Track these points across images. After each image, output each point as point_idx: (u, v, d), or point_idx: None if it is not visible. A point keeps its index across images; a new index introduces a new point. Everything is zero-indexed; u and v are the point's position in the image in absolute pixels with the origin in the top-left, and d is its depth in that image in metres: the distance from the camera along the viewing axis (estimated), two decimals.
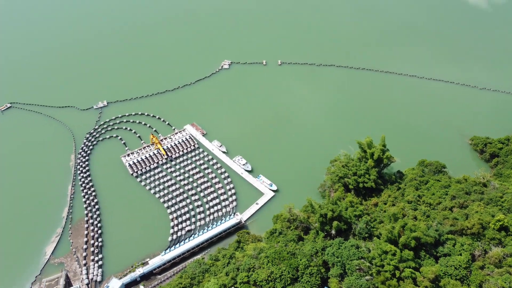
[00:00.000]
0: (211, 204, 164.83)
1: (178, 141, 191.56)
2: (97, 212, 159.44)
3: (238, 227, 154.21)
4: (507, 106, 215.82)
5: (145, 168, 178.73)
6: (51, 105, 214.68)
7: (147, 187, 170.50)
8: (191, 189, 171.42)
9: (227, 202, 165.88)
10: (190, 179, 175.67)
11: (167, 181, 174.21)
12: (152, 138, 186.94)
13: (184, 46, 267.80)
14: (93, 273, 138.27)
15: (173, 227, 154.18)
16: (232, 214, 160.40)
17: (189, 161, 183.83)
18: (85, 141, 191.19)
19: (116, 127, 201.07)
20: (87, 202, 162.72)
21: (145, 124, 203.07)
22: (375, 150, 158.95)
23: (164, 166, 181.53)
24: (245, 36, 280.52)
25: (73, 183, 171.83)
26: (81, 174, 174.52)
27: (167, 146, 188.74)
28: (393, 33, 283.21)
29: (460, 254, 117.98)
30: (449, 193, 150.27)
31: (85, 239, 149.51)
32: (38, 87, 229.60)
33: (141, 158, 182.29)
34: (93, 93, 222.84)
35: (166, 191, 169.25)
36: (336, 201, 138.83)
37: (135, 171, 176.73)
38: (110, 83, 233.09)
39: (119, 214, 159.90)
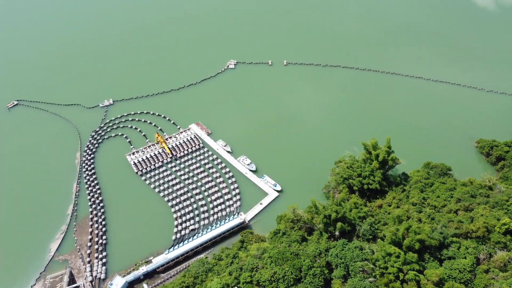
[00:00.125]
0: (215, 203, 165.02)
1: (183, 140, 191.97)
2: (102, 210, 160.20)
3: (242, 227, 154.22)
4: None
5: (150, 166, 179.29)
6: (58, 103, 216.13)
7: (152, 186, 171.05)
8: (195, 188, 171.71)
9: (231, 202, 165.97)
10: (195, 178, 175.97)
11: (172, 180, 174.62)
12: (157, 137, 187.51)
13: (190, 46, 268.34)
14: (97, 270, 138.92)
15: (177, 226, 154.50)
16: (236, 214, 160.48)
17: (193, 160, 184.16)
18: (90, 139, 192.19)
19: (121, 126, 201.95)
20: (92, 199, 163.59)
21: (150, 123, 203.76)
22: (380, 151, 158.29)
23: (169, 165, 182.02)
24: (251, 36, 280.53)
25: (78, 180, 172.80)
26: (86, 172, 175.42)
27: (172, 145, 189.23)
28: (400, 34, 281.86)
29: (465, 258, 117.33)
30: (454, 196, 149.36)
31: (90, 237, 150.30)
32: (45, 85, 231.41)
33: (146, 156, 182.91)
34: (99, 91, 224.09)
35: (170, 190, 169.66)
36: (340, 202, 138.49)
37: (140, 169, 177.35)
38: (116, 81, 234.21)
39: (123, 212, 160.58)
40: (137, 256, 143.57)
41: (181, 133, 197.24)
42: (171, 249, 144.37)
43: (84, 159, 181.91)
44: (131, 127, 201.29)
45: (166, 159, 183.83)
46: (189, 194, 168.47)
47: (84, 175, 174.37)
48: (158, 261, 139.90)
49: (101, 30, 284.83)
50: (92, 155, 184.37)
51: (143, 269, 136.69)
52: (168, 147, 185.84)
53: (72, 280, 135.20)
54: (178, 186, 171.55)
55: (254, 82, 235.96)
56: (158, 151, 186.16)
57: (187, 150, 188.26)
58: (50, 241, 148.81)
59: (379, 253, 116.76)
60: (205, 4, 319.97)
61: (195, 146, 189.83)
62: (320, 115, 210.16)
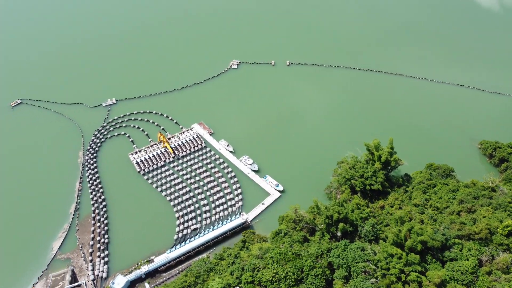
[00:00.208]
0: (217, 203, 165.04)
1: (186, 140, 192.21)
2: (104, 209, 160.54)
3: (244, 227, 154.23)
4: None
5: (152, 166, 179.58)
6: (61, 101, 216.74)
7: (154, 185, 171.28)
8: (198, 188, 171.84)
9: (233, 202, 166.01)
10: (197, 178, 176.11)
11: (174, 179, 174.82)
12: (159, 137, 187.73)
13: (193, 45, 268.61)
14: (99, 269, 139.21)
15: (179, 226, 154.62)
16: (238, 213, 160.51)
17: (196, 160, 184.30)
18: (93, 138, 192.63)
19: (124, 125, 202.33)
20: (94, 198, 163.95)
21: (153, 122, 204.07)
22: (382, 152, 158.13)
23: (171, 165, 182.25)
24: (254, 36, 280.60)
25: (81, 179, 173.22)
26: (89, 171, 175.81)
27: (174, 145, 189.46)
28: (403, 35, 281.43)
29: (467, 259, 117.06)
30: (457, 197, 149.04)
31: (92, 236, 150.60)
32: (49, 84, 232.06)
33: (148, 156, 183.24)
34: (102, 90, 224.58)
35: (172, 190, 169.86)
36: (342, 203, 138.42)
37: (142, 169, 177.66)
38: (119, 81, 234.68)
39: (125, 211, 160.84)
40: (139, 255, 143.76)
41: (183, 132, 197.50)
42: (173, 248, 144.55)
43: (86, 158, 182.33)
44: (134, 126, 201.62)
45: (169, 159, 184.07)
46: (191, 194, 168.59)
47: (87, 174, 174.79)
48: (160, 260, 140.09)
49: (105, 29, 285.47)
50: (94, 154, 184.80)
51: (145, 268, 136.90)
52: (170, 147, 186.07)
53: (74, 279, 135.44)
54: (180, 186, 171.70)
55: (257, 82, 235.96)
56: (161, 151, 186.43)
57: (190, 149, 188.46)
58: (53, 240, 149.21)
59: (381, 254, 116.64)
60: (209, 4, 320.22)
61: (197, 146, 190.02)
62: (323, 116, 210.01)
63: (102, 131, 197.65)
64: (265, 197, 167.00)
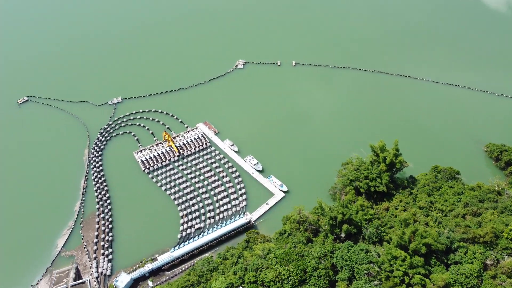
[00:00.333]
0: (221, 202, 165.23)
1: (191, 139, 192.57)
2: (109, 207, 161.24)
3: (247, 227, 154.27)
4: None
5: (157, 164, 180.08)
6: (67, 99, 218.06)
7: (159, 184, 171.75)
8: (202, 187, 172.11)
9: (237, 202, 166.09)
10: (201, 177, 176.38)
11: (178, 178, 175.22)
12: (164, 135, 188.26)
13: (199, 45, 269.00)
14: (102, 267, 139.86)
15: (182, 225, 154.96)
16: (242, 213, 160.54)
17: (200, 159, 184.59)
18: (99, 136, 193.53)
19: (129, 123, 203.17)
20: (99, 196, 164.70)
21: (158, 121, 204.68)
22: (387, 154, 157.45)
23: (176, 164, 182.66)
24: (260, 36, 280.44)
25: (86, 177, 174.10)
26: (94, 169, 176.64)
27: (179, 144, 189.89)
28: (410, 36, 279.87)
29: (472, 263, 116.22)
30: (462, 200, 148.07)
31: (96, 233, 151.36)
32: (55, 81, 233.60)
33: (153, 154, 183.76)
34: (108, 89, 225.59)
35: (177, 188, 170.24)
36: (346, 204, 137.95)
37: (147, 167, 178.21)
38: (125, 79, 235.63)
39: (130, 209, 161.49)
40: (143, 253, 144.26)
41: (188, 132, 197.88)
42: (177, 247, 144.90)
43: (92, 156, 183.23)
44: (139, 125, 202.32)
45: (173, 158, 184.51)
46: (196, 193, 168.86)
47: (92, 172, 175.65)
48: (163, 259, 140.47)
49: (112, 28, 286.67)
50: (100, 152, 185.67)
51: (148, 267, 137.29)
52: (175, 146, 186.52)
53: (78, 276, 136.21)
54: (184, 185, 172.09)
55: (263, 82, 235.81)
56: (166, 150, 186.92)
57: (194, 149, 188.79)
58: (57, 237, 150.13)
59: (384, 256, 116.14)
60: (215, 4, 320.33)
61: (202, 145, 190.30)
62: (328, 116, 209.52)
63: (108, 129, 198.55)
64: (269, 197, 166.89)
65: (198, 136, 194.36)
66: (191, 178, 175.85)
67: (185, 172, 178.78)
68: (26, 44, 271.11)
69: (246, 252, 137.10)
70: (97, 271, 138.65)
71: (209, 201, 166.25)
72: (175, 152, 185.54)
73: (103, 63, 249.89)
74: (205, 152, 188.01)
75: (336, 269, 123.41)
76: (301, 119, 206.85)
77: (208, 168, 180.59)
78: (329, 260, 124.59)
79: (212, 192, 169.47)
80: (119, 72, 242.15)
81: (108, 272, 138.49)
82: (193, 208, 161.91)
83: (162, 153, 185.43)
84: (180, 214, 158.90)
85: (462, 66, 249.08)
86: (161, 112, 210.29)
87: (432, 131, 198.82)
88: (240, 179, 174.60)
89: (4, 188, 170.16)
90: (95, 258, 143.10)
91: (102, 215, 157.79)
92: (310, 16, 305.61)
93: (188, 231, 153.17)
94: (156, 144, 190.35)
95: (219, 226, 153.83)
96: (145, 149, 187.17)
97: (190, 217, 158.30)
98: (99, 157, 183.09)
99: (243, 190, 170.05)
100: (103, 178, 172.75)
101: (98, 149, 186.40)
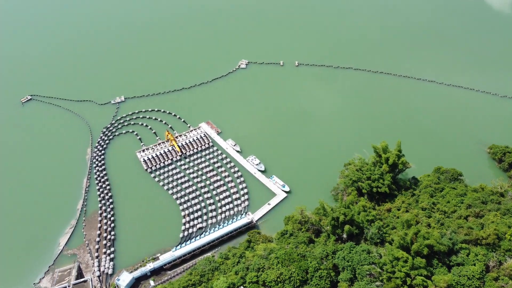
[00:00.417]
0: (223, 202, 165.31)
1: (193, 139, 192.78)
2: (111, 206, 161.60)
3: (249, 227, 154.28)
4: None
5: (160, 164, 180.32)
6: (70, 98, 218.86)
7: (161, 183, 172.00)
8: (204, 186, 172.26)
9: (239, 201, 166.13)
10: (203, 177, 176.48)
11: (181, 178, 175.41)
12: (167, 135, 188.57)
13: (202, 45, 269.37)
14: (104, 265, 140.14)
15: (184, 224, 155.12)
16: (244, 213, 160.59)
17: (203, 159, 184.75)
18: (101, 135, 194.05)
19: (132, 123, 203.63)
20: (102, 195, 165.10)
21: (161, 121, 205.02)
22: (390, 155, 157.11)
23: (178, 163, 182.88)
24: (263, 36, 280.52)
25: (89, 176, 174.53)
26: (97, 168, 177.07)
27: (181, 143, 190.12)
28: (413, 37, 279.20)
29: (474, 264, 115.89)
30: (465, 202, 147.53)
31: (98, 232, 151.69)
32: (59, 80, 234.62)
33: (155, 154, 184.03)
34: (111, 88, 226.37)
35: (179, 188, 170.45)
36: (348, 205, 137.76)
37: (150, 166, 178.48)
38: (128, 79, 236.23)
39: (132, 208, 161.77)
40: (145, 252, 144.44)
41: (191, 131, 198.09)
42: (178, 246, 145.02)
43: (94, 155, 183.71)
44: (142, 124, 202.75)
45: (176, 157, 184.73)
46: (198, 193, 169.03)
47: (95, 171, 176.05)
48: (165, 258, 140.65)
49: (115, 27, 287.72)
50: (102, 151, 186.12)
51: (150, 266, 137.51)
52: (178, 145, 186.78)
53: (80, 275, 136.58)
54: (187, 184, 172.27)
55: (265, 82, 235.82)
56: (168, 149, 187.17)
57: (197, 148, 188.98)
58: (60, 235, 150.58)
59: (386, 257, 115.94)
60: (218, 4, 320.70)
61: (204, 145, 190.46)
62: (331, 117, 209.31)
63: (111, 128, 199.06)
64: (271, 197, 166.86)
65: (200, 135, 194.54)
66: (193, 177, 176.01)
67: (187, 171, 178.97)
68: (30, 43, 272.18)
69: (248, 252, 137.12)
70: (99, 270, 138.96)
71: (211, 200, 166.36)
72: (178, 152, 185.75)
73: (107, 63, 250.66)
74: (207, 151, 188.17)
75: (338, 270, 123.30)
76: (303, 119, 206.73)
77: (210, 167, 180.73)
78: (330, 260, 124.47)
79: (214, 192, 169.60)
80: (122, 72, 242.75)
81: (110, 271, 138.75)
82: (195, 208, 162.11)
83: (165, 152, 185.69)
84: (182, 213, 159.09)
85: (466, 67, 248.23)
86: (164, 111, 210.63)
87: (435, 132, 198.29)
88: (242, 179, 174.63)
89: (7, 186, 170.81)
90: (97, 257, 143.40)
91: (104, 214, 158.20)
92: (313, 17, 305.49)
93: (190, 230, 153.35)
94: (159, 144, 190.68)
95: (221, 226, 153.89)
96: (147, 149, 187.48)
97: (192, 216, 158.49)
98: (102, 156, 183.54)
99: (245, 190, 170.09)
100: (105, 177, 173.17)
101: (100, 148, 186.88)
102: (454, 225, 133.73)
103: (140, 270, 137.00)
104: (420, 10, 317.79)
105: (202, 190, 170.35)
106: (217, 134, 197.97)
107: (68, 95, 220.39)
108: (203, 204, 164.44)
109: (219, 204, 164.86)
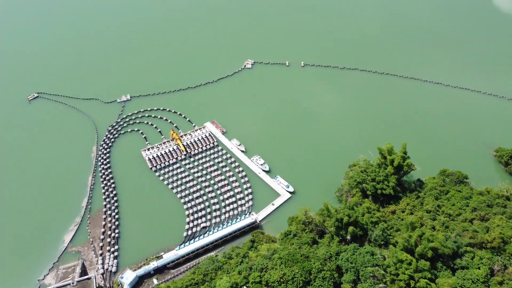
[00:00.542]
0: (227, 202, 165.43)
1: (198, 138, 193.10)
2: (116, 204, 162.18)
3: (253, 227, 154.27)
4: None
5: (164, 163, 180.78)
6: (77, 96, 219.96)
7: (165, 182, 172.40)
8: (208, 186, 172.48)
9: (243, 201, 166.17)
10: (208, 176, 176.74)
11: (185, 177, 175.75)
12: (172, 134, 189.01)
13: (208, 44, 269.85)
14: (108, 263, 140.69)
15: (188, 223, 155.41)
16: (248, 213, 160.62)
17: (207, 158, 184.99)
18: (107, 133, 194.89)
19: (137, 121, 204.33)
20: (106, 193, 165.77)
21: (166, 120, 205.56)
22: (395, 156, 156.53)
23: (183, 162, 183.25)
24: (269, 37, 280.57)
25: (94, 174, 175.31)
26: (102, 166, 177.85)
27: (186, 143, 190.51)
28: (420, 39, 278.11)
29: (479, 268, 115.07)
30: (470, 205, 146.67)
31: (103, 230, 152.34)
32: (65, 78, 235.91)
33: (160, 153, 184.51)
34: (117, 87, 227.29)
35: (183, 187, 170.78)
36: (353, 206, 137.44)
37: (154, 165, 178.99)
38: (134, 78, 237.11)
39: (136, 206, 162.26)
40: (148, 251, 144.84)
41: (196, 130, 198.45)
42: (182, 245, 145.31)
43: (100, 153, 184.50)
44: (147, 123, 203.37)
45: (181, 156, 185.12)
46: (202, 192, 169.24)
47: (100, 169, 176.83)
48: (168, 257, 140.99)
49: (122, 26, 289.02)
50: (108, 149, 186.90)
51: (154, 264, 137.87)
52: (182, 144, 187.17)
53: (84, 272, 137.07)
54: (191, 184, 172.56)
55: (271, 82, 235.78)
56: (173, 148, 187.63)
57: (202, 148, 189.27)
58: (64, 233, 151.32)
59: (390, 259, 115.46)
60: (225, 4, 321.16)
61: (209, 144, 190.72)
62: (336, 118, 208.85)
63: (116, 126, 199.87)
64: (275, 197, 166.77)
65: (205, 135, 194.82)
66: (198, 177, 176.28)
67: (192, 171, 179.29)
68: (37, 41, 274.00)
69: (251, 252, 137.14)
70: (103, 268, 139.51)
71: (215, 200, 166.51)
72: (182, 151, 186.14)
73: (113, 61, 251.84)
74: (212, 151, 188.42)
75: (341, 271, 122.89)
76: (308, 120, 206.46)
77: (215, 167, 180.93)
78: (334, 262, 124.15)
79: (218, 191, 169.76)
80: (128, 70, 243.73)
81: (113, 269, 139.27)
82: (199, 207, 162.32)
83: (170, 151, 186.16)
84: (186, 212, 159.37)
85: (472, 69, 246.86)
86: (169, 110, 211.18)
87: (440, 134, 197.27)
88: (246, 179, 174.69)
89: (13, 183, 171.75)
90: (101, 255, 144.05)
91: (109, 212, 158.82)
92: (319, 17, 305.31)
93: (194, 229, 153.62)
94: (164, 143, 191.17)
95: (224, 226, 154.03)
96: (152, 147, 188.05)
97: (196, 215, 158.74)
98: (107, 154, 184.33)
99: (249, 190, 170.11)
100: (110, 175, 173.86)
101: (106, 146, 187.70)
102: (459, 228, 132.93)
103: (144, 268, 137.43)
104: (427, 12, 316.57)
105: (206, 190, 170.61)
106: (222, 133, 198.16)
107: (75, 93, 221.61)
108: (207, 204, 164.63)
109: (223, 204, 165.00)
